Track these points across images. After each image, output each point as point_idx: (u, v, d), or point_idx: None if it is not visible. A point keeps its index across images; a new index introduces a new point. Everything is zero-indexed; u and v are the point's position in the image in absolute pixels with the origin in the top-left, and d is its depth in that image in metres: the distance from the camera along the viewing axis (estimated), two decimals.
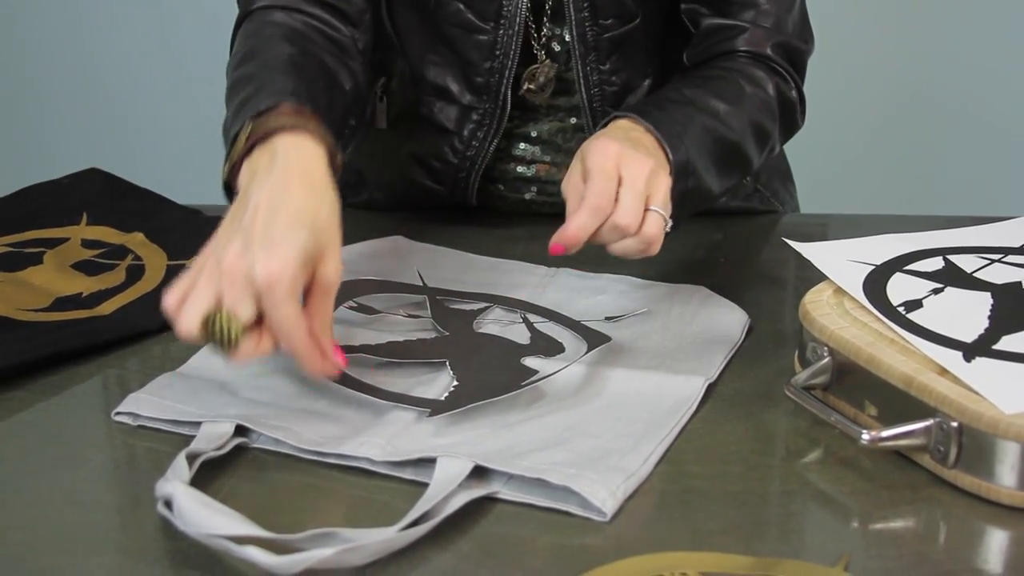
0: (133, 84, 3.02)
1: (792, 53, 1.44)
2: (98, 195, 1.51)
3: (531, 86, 1.46)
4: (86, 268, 1.36)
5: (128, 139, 3.04)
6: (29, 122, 3.07)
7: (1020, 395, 0.98)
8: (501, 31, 1.43)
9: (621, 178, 1.17)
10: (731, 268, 1.42)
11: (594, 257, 1.38)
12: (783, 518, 0.99)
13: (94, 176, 1.56)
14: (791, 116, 1.44)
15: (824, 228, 1.60)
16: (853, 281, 1.15)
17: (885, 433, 1.01)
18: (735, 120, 1.34)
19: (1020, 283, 1.16)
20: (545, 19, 1.44)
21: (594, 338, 1.19)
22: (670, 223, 1.19)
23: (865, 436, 1.00)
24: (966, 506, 0.99)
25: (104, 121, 3.05)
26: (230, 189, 1.15)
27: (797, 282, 1.28)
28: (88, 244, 1.42)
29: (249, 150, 1.13)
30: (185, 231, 1.44)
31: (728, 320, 1.25)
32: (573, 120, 1.50)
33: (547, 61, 1.46)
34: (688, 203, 1.27)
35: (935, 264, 1.19)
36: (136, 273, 1.35)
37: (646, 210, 1.17)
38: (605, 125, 1.28)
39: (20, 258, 1.38)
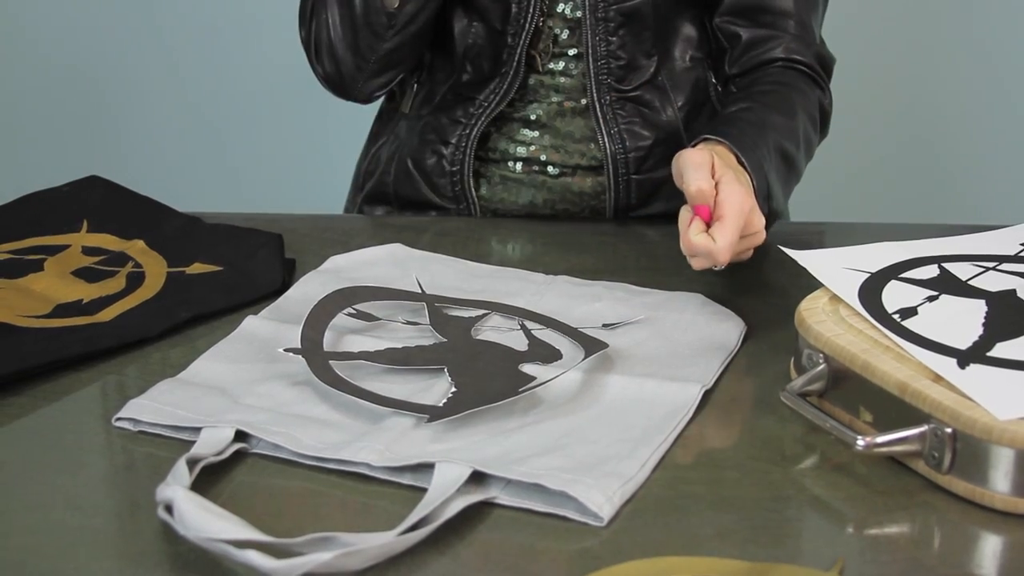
0: (133, 92, 3.03)
1: (825, 62, 1.51)
2: (99, 202, 1.52)
3: (531, 51, 1.52)
4: (86, 275, 1.37)
5: (128, 147, 3.04)
6: (30, 130, 3.07)
7: (1013, 401, 0.98)
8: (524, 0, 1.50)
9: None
10: (727, 275, 1.42)
11: (591, 266, 1.39)
12: (778, 523, 0.99)
13: (95, 184, 1.56)
14: (826, 125, 1.51)
15: (820, 236, 1.60)
16: (848, 288, 1.16)
17: (880, 439, 1.01)
18: (793, 135, 1.40)
19: (1014, 291, 1.17)
20: None
21: (591, 345, 1.20)
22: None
23: (860, 442, 1.01)
24: (960, 511, 0.99)
25: (104, 129, 3.05)
26: None
27: (793, 289, 1.28)
28: (88, 251, 1.42)
29: None
30: (185, 238, 1.44)
31: (724, 327, 1.25)
32: (571, 103, 1.53)
33: (554, 30, 1.52)
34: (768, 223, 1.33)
35: (930, 272, 1.20)
36: (136, 280, 1.36)
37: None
38: (695, 144, 1.33)
39: (21, 265, 1.38)
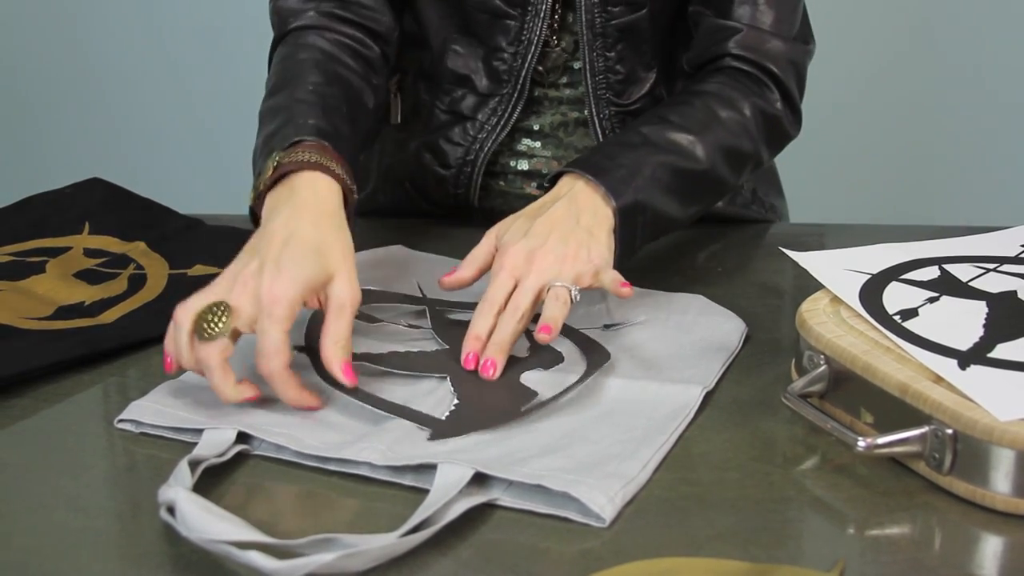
0: (135, 94, 3.03)
1: (786, 56, 1.45)
2: (100, 205, 1.52)
3: (539, 67, 1.50)
4: (88, 277, 1.37)
5: (130, 149, 3.04)
6: (31, 132, 3.07)
7: (1014, 402, 0.99)
8: (528, 17, 1.47)
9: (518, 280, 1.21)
10: (728, 277, 1.43)
11: None
12: (780, 524, 0.99)
13: (96, 186, 1.56)
14: (777, 130, 1.45)
15: (821, 237, 1.60)
16: (849, 290, 1.16)
17: (881, 440, 1.01)
18: (700, 149, 1.36)
19: (1015, 292, 1.17)
20: (557, 5, 1.47)
21: (593, 351, 1.20)
22: (575, 294, 1.21)
23: (861, 443, 1.01)
24: (961, 512, 0.99)
25: (106, 131, 3.06)
26: (255, 215, 1.24)
27: (794, 291, 1.29)
28: (90, 253, 1.42)
29: (273, 183, 1.22)
30: (186, 240, 1.45)
31: (725, 328, 1.25)
32: (575, 114, 1.52)
33: (560, 46, 1.49)
34: (645, 234, 1.31)
35: (931, 273, 1.20)
36: (138, 282, 1.36)
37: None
38: (552, 181, 1.32)
39: (23, 267, 1.39)
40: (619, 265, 1.26)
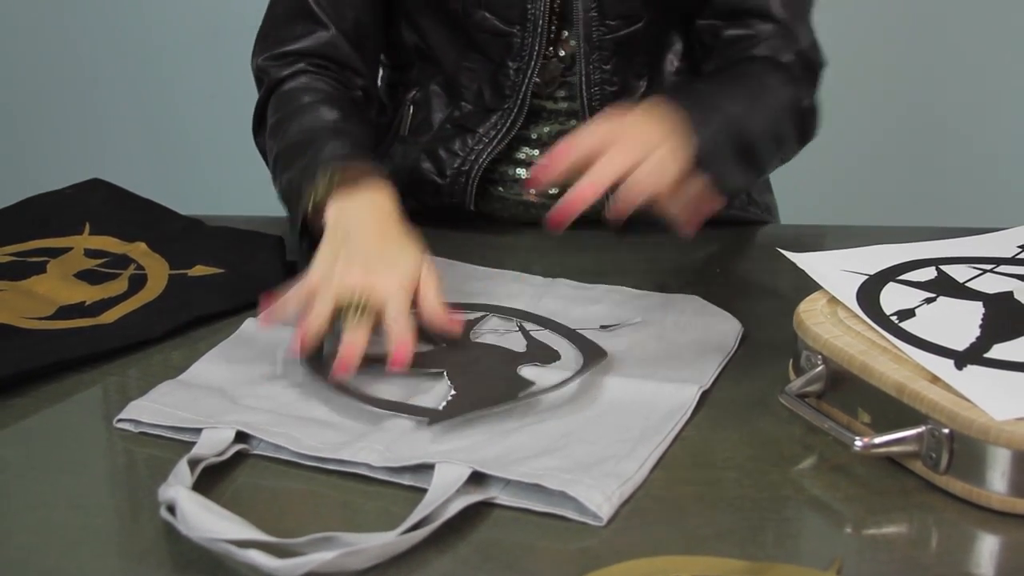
0: (135, 94, 3.03)
1: (809, 63, 1.48)
2: (101, 205, 1.52)
3: (538, 80, 1.50)
4: (89, 277, 1.37)
5: (130, 149, 3.05)
6: (32, 133, 3.08)
7: (1010, 402, 0.99)
8: (526, 33, 1.47)
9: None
10: (727, 278, 1.43)
11: (589, 268, 1.39)
12: (777, 523, 1.00)
13: (97, 186, 1.57)
14: (807, 124, 1.48)
15: (819, 239, 1.61)
16: (847, 290, 1.16)
17: (878, 440, 1.02)
18: (756, 118, 1.38)
19: (1011, 293, 1.17)
20: (553, 19, 1.48)
21: (590, 350, 1.20)
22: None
23: (858, 443, 1.02)
24: (957, 512, 1.00)
25: (106, 132, 3.06)
26: (304, 229, 1.33)
27: (791, 292, 1.29)
28: (91, 253, 1.43)
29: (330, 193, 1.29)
30: (187, 241, 1.45)
31: (721, 329, 1.26)
32: (573, 123, 1.53)
33: (555, 59, 1.50)
34: (721, 135, 1.31)
35: (928, 274, 1.21)
36: (138, 282, 1.37)
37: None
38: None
39: (24, 267, 1.39)
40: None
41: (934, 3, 2.81)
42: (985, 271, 1.21)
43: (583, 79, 1.49)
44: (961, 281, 1.19)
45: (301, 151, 1.36)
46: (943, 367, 1.04)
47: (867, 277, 1.19)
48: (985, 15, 2.79)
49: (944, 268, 1.22)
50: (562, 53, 1.50)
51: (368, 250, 1.23)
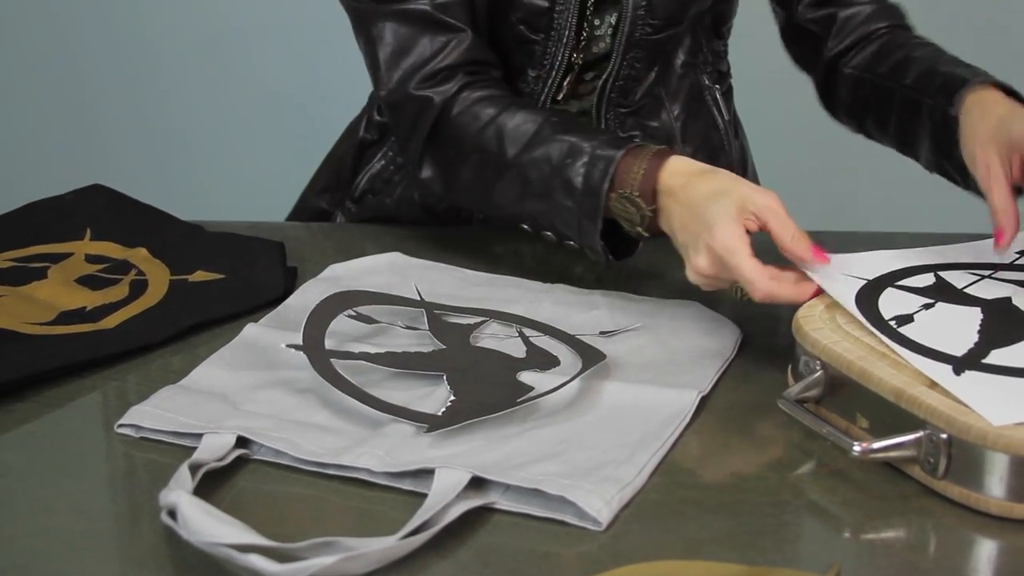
0: (136, 100, 3.04)
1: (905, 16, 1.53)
2: (102, 211, 1.53)
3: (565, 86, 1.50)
4: (90, 283, 1.38)
5: (131, 155, 3.05)
6: (33, 139, 3.08)
7: (1008, 407, 0.99)
8: (549, 42, 1.45)
9: None
10: None
11: (589, 274, 1.40)
12: (775, 528, 1.00)
13: (98, 192, 1.57)
14: None
15: (820, 245, 1.60)
16: (846, 295, 1.17)
17: (876, 445, 1.02)
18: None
19: (1010, 299, 1.18)
20: (585, 25, 1.46)
21: (589, 356, 1.21)
22: None
23: (856, 448, 1.02)
24: (955, 516, 1.00)
25: (107, 138, 3.06)
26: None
27: None
28: (92, 259, 1.43)
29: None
30: (187, 246, 1.45)
31: (720, 334, 1.26)
32: (581, 119, 1.52)
33: (579, 65, 1.49)
34: None
35: (926, 280, 1.21)
36: (139, 288, 1.37)
37: None
38: (961, 93, 1.32)
39: (25, 273, 1.39)
40: None
41: (934, 4, 2.81)
42: (983, 276, 1.22)
43: (612, 75, 1.48)
44: (959, 287, 1.20)
45: (545, 154, 1.32)
46: (941, 373, 1.04)
47: (865, 282, 1.19)
48: (985, 16, 2.79)
49: (942, 274, 1.22)
50: (586, 59, 1.49)
51: (696, 222, 1.21)
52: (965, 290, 1.19)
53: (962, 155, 1.27)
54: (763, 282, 1.16)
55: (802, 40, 1.55)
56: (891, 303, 1.16)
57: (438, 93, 1.38)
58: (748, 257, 1.16)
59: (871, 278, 1.20)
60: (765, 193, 1.20)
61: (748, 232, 1.18)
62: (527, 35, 1.45)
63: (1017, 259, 1.26)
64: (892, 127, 1.45)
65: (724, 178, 1.23)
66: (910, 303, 1.17)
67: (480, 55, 1.41)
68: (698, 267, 1.20)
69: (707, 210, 1.19)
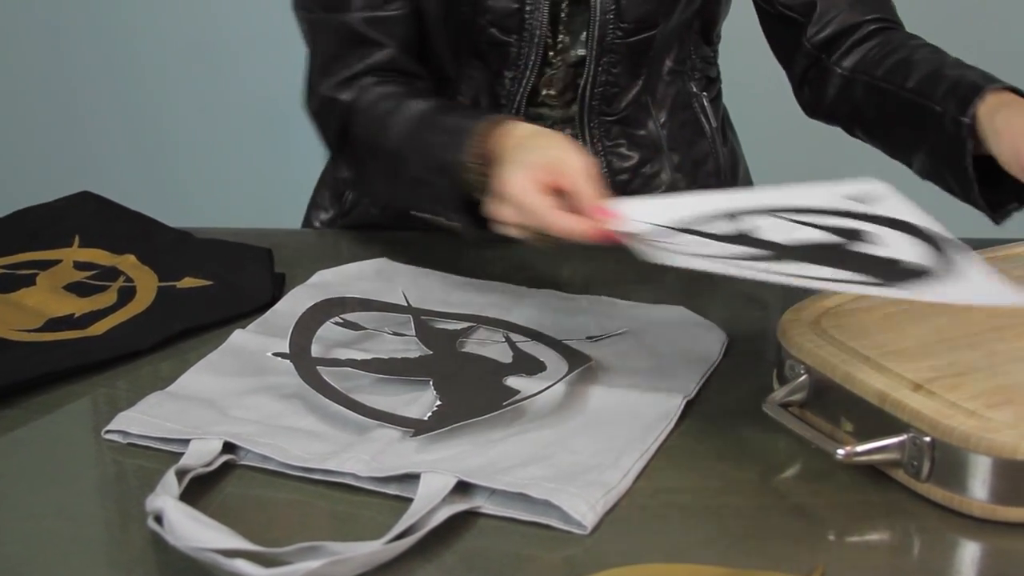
0: (123, 107, 3.04)
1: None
2: (90, 218, 1.53)
3: (550, 91, 1.51)
4: (78, 289, 1.38)
5: (119, 162, 3.05)
6: (21, 146, 3.08)
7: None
8: (523, 43, 1.47)
9: None
10: (713, 289, 1.43)
11: (576, 279, 1.40)
12: (760, 531, 1.01)
13: (86, 199, 1.57)
14: None
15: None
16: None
17: (860, 448, 1.03)
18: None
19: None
20: (560, 27, 1.47)
21: (575, 359, 1.21)
22: None
23: (840, 451, 1.02)
24: (939, 519, 1.01)
25: (95, 145, 3.07)
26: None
27: (775, 302, 1.30)
28: (80, 266, 1.43)
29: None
30: (176, 253, 1.45)
31: (706, 339, 1.27)
32: (568, 130, 1.52)
33: (561, 67, 1.50)
34: None
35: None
36: (127, 294, 1.37)
37: None
38: (982, 96, 1.31)
39: (13, 280, 1.39)
40: None
41: (934, 4, 2.81)
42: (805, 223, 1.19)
43: (589, 80, 1.49)
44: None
45: (421, 138, 1.36)
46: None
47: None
48: (984, 18, 2.79)
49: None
50: (563, 64, 1.50)
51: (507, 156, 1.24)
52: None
53: (998, 155, 1.27)
54: (539, 212, 1.17)
55: (782, 28, 1.53)
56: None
57: (347, 94, 1.44)
58: (532, 192, 1.18)
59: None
60: (580, 157, 1.21)
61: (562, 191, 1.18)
62: (500, 37, 1.47)
63: (844, 206, 1.23)
64: (885, 131, 1.45)
65: (549, 137, 1.25)
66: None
67: (397, 66, 1.46)
68: (492, 210, 1.22)
69: (507, 156, 1.22)
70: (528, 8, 1.44)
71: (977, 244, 1.30)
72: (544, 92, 1.51)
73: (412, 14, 1.47)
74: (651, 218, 1.18)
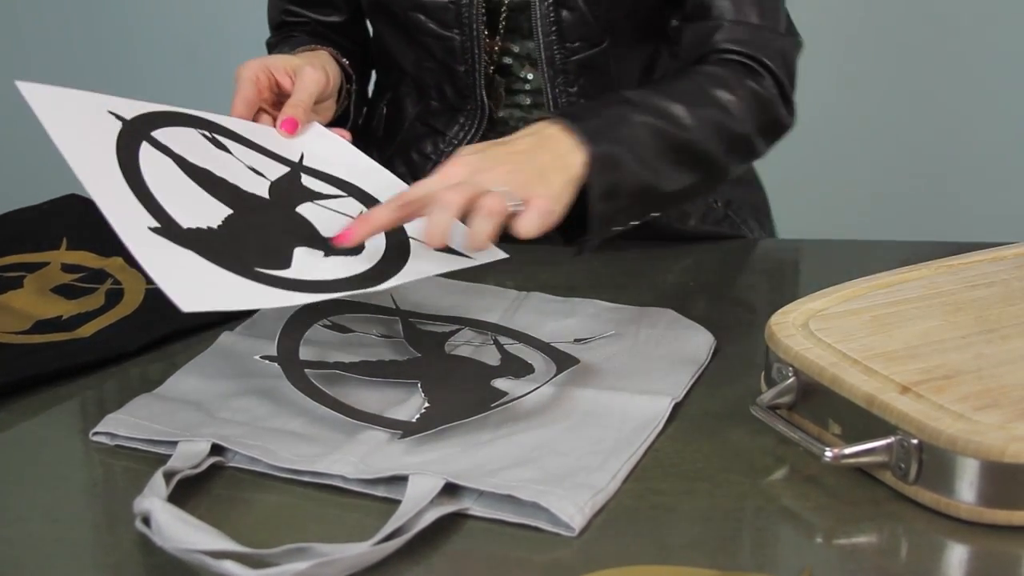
0: None
1: (774, 46, 1.41)
2: (78, 220, 1.53)
3: (502, 83, 1.54)
4: (66, 292, 1.38)
5: None
6: (7, 149, 3.07)
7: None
8: (464, 37, 1.49)
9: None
10: (701, 292, 1.44)
11: (563, 282, 1.40)
12: (748, 533, 1.01)
13: (73, 202, 1.57)
14: (771, 114, 1.40)
15: (796, 253, 1.61)
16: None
17: (848, 451, 1.03)
18: (687, 117, 1.31)
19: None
20: (500, 27, 1.49)
21: (563, 360, 1.21)
22: (513, 204, 1.14)
23: (828, 454, 1.02)
24: (926, 521, 1.01)
25: None
26: None
27: (764, 305, 1.30)
28: (68, 268, 1.43)
29: None
30: None
31: (694, 341, 1.27)
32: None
33: (512, 63, 1.52)
34: (623, 199, 1.26)
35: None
36: (115, 297, 1.37)
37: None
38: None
39: (0, 282, 1.39)
40: (601, 236, 1.24)
41: (935, 5, 2.82)
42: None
43: (550, 101, 1.50)
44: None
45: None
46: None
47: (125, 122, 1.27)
48: (983, 19, 2.80)
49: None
50: (517, 65, 1.52)
51: None
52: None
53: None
54: (239, 83, 1.36)
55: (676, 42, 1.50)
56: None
57: (289, 26, 1.64)
58: (249, 69, 1.36)
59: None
60: (315, 73, 1.38)
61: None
62: (440, 32, 1.49)
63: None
64: None
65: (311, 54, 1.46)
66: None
67: (335, 36, 1.59)
68: None
69: None
70: (463, 1, 1.48)
71: (976, 246, 1.31)
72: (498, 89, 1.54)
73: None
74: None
